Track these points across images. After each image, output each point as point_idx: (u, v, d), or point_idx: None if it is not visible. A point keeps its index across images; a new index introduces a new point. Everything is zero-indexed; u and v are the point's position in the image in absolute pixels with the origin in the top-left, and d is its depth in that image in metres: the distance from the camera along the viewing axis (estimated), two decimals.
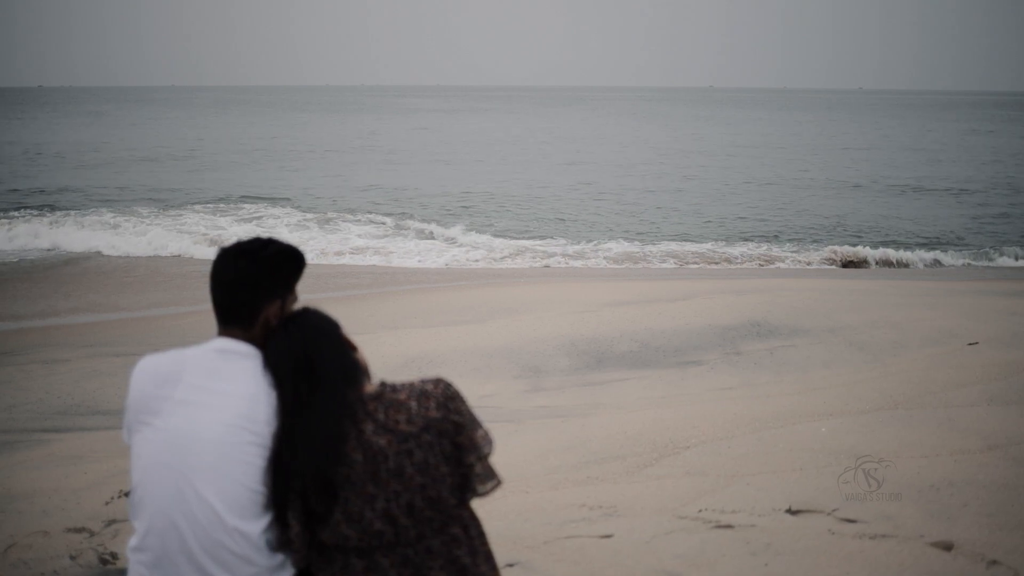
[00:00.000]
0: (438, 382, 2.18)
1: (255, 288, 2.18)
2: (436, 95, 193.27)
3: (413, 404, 2.12)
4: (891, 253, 16.61)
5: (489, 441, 2.19)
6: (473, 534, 2.19)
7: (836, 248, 16.95)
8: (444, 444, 2.12)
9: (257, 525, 2.06)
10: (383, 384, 2.18)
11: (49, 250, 16.27)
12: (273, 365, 2.13)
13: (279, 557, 2.09)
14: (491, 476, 2.17)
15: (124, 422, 2.19)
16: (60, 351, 9.03)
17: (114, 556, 4.15)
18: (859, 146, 45.33)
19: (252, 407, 2.08)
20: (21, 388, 7.63)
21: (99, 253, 16.08)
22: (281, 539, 2.10)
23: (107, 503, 4.79)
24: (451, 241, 17.93)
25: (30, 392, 7.50)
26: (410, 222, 19.98)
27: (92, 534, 4.40)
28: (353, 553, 2.10)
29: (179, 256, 16.00)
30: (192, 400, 2.08)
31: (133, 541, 2.10)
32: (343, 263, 15.46)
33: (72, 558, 4.13)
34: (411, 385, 2.17)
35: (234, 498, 2.03)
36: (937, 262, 16.44)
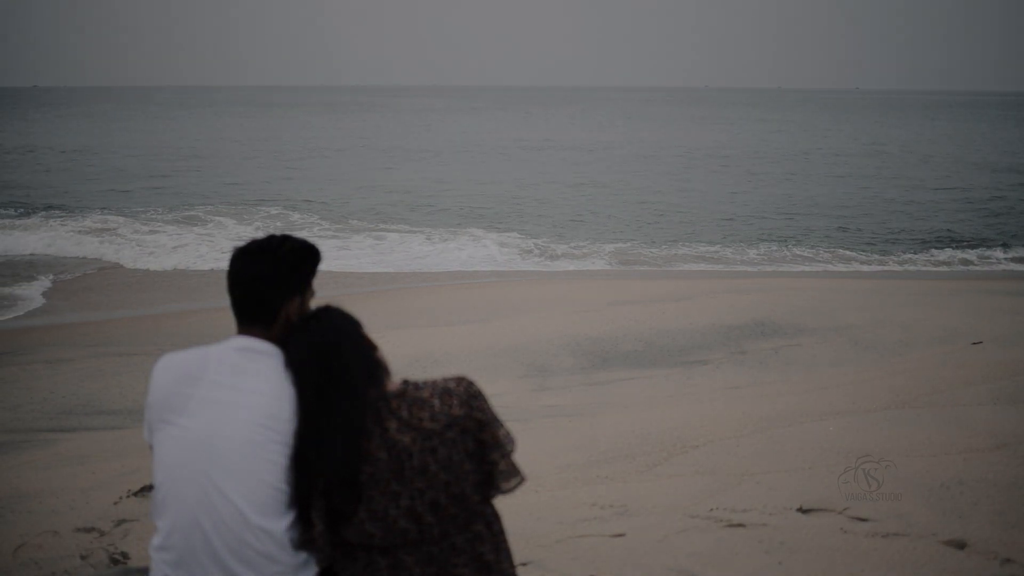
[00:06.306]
0: (460, 380, 2.18)
1: (275, 285, 2.18)
2: (434, 95, 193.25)
3: (436, 402, 2.12)
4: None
5: (511, 439, 2.19)
6: (496, 531, 2.19)
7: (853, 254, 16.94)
8: (467, 441, 2.12)
9: (281, 523, 2.05)
10: (406, 382, 2.17)
11: (53, 255, 16.15)
12: (295, 363, 2.13)
13: (303, 555, 2.08)
14: (515, 473, 2.17)
15: (145, 420, 2.18)
16: (63, 351, 9.01)
17: (124, 555, 4.14)
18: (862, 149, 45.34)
19: (276, 405, 2.08)
20: (25, 388, 7.61)
21: (117, 265, 15.50)
22: (304, 538, 2.09)
23: (116, 503, 4.78)
24: (458, 240, 17.84)
25: (35, 392, 7.48)
26: (397, 225, 19.76)
27: (102, 533, 4.38)
28: (377, 551, 2.09)
29: (201, 269, 15.08)
30: (216, 398, 2.07)
31: (156, 540, 2.09)
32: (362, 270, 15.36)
33: (83, 558, 4.12)
34: (434, 383, 2.16)
35: (258, 497, 2.03)
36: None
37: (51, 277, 13.96)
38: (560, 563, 3.79)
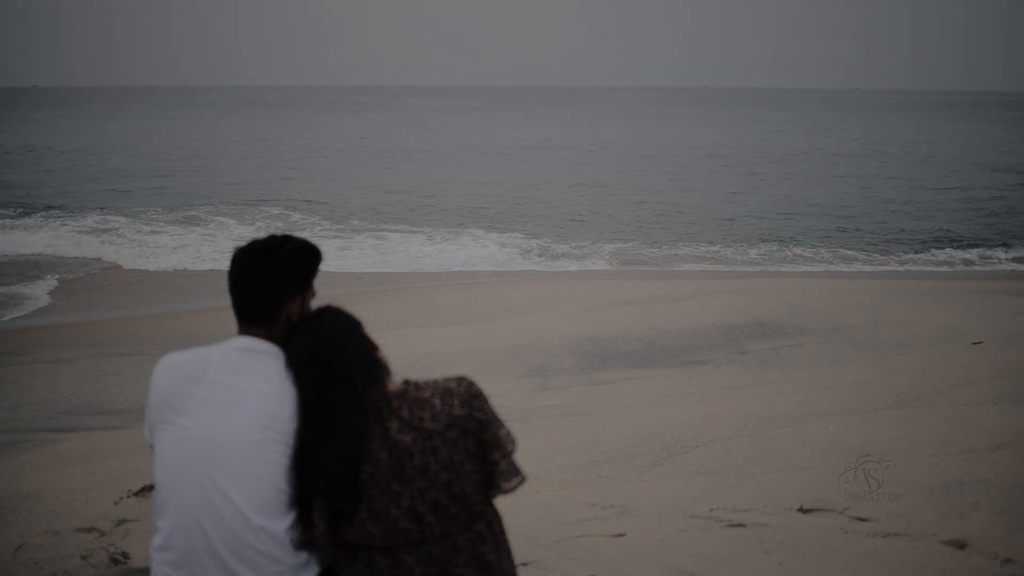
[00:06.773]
0: (461, 380, 2.18)
1: (276, 285, 2.18)
2: (434, 95, 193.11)
3: (437, 402, 2.12)
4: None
5: (512, 439, 2.19)
6: (497, 530, 2.19)
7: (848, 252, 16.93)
8: (468, 441, 2.12)
9: (282, 523, 2.05)
10: (407, 382, 2.17)
11: (54, 255, 16.12)
12: (296, 364, 2.13)
13: (304, 555, 2.09)
14: (516, 473, 2.17)
15: (145, 420, 2.18)
16: (64, 351, 9.01)
17: (125, 555, 4.14)
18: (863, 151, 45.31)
19: (277, 405, 2.08)
20: (26, 388, 7.61)
21: (117, 265, 15.41)
22: (305, 538, 2.09)
23: (116, 503, 4.78)
24: (459, 240, 17.83)
25: (35, 392, 7.48)
26: (397, 225, 19.72)
27: (102, 534, 4.38)
28: (378, 551, 2.09)
29: (202, 270, 14.99)
30: (216, 398, 2.07)
31: (157, 540, 2.09)
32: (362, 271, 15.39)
33: (83, 558, 4.12)
34: (435, 383, 2.16)
35: (259, 497, 2.03)
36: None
37: (57, 277, 14.03)
38: (560, 563, 3.79)
